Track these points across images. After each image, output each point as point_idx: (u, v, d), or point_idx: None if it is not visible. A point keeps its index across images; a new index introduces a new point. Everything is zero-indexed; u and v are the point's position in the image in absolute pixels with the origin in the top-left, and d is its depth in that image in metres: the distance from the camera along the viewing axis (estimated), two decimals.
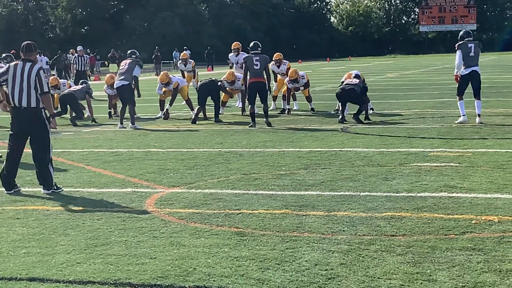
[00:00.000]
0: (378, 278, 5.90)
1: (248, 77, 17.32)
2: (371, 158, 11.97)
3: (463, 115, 16.51)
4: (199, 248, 6.96)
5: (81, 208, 8.96)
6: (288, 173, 10.83)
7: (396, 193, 9.15)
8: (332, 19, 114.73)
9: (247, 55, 18.52)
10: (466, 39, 16.59)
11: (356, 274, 6.00)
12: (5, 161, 10.25)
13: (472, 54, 16.43)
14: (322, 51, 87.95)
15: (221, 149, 13.62)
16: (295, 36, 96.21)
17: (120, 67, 18.87)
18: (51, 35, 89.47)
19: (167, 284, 5.92)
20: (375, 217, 7.94)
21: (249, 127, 17.11)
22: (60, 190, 10.04)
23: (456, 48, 16.62)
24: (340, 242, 6.98)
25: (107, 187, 10.28)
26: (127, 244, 7.21)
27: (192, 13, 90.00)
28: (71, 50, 34.81)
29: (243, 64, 17.82)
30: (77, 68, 31.46)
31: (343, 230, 7.42)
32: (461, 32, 17.12)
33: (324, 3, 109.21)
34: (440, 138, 14.18)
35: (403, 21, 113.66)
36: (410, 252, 6.56)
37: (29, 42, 10.37)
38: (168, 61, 68.44)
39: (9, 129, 10.33)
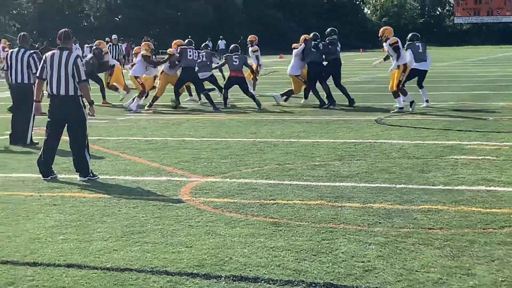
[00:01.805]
0: (416, 271, 5.86)
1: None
2: (407, 150, 11.89)
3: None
4: (235, 237, 6.97)
5: (117, 195, 9.00)
6: (323, 164, 10.79)
7: (433, 185, 9.08)
8: (366, 9, 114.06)
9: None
10: (415, 40, 18.75)
11: (394, 267, 5.97)
12: (42, 148, 10.32)
13: (420, 51, 18.60)
14: (355, 42, 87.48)
15: (255, 139, 13.61)
16: (327, 27, 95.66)
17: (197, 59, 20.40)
18: (85, 24, 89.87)
19: (203, 273, 5.93)
20: (411, 209, 7.88)
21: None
22: (96, 177, 10.09)
23: (406, 48, 18.60)
24: (376, 234, 6.95)
25: (142, 175, 10.32)
26: (163, 232, 7.23)
27: (224, 2, 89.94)
28: (106, 38, 34.89)
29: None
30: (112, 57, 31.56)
31: (379, 222, 7.38)
32: (410, 35, 19.08)
33: None
34: (476, 131, 14.04)
35: (438, 13, 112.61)
36: (448, 246, 6.51)
37: (66, 30, 10.41)
38: (200, 50, 68.50)
39: (47, 117, 10.38)
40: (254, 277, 5.81)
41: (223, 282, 5.72)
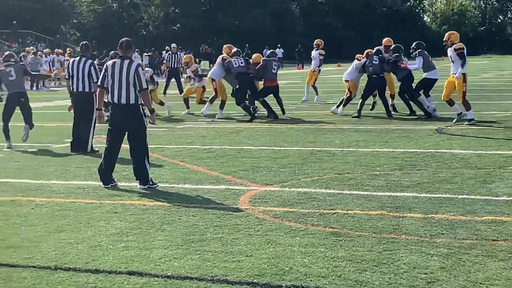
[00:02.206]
0: (480, 283, 5.75)
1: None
2: (469, 160, 11.70)
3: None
4: (295, 247, 6.93)
5: (176, 203, 9.04)
6: (383, 174, 10.68)
7: (496, 196, 8.91)
8: (425, 17, 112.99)
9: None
10: (423, 48, 18.81)
11: (457, 279, 5.86)
12: (103, 156, 10.42)
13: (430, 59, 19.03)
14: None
15: (313, 148, 13.55)
16: (386, 35, 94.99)
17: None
18: (144, 33, 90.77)
19: (264, 282, 5.91)
20: (474, 220, 7.74)
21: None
22: (155, 185, 10.15)
23: (417, 55, 18.73)
24: (439, 245, 6.84)
25: (202, 183, 10.35)
26: (223, 241, 7.23)
27: (282, 10, 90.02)
28: (166, 47, 34.90)
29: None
30: (169, 66, 31.62)
31: (442, 233, 7.26)
32: (415, 44, 19.20)
33: (417, 2, 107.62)
34: None
35: (499, 20, 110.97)
36: None
37: (128, 39, 10.50)
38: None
39: (108, 125, 10.48)
40: (315, 287, 5.77)
41: None
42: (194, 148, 14.09)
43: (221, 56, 20.49)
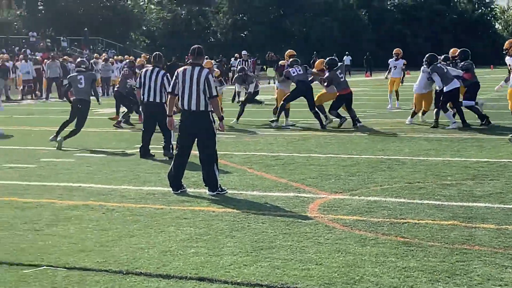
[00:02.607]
0: None
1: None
2: None
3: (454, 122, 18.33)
4: (365, 256, 6.87)
5: (245, 210, 9.05)
6: (454, 183, 10.52)
7: None
8: (497, 25, 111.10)
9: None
10: (436, 62, 18.58)
11: None
12: (173, 162, 10.51)
13: (445, 71, 18.35)
14: (485, 58, 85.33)
15: (383, 156, 13.43)
16: (456, 42, 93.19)
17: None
18: (212, 40, 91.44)
19: None
20: None
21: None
22: (224, 192, 10.19)
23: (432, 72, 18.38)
24: None
25: (270, 190, 10.34)
26: (292, 248, 7.21)
27: (351, 18, 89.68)
28: (236, 54, 34.89)
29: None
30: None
31: None
32: (430, 57, 18.84)
33: (488, 9, 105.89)
34: None
35: None
36: None
37: (199, 46, 10.54)
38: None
39: (178, 131, 10.56)
40: None
41: None
42: (262, 155, 14.10)
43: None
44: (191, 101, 10.20)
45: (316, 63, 20.98)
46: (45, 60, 38.73)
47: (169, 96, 10.71)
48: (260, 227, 8.16)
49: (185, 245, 7.40)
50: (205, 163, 10.29)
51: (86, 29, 64.43)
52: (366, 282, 6.09)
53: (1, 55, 41.38)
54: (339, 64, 20.01)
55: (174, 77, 10.52)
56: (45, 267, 6.69)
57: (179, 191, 10.30)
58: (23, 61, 38.07)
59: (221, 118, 10.43)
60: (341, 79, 19.57)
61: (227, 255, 6.99)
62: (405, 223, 8.17)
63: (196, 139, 10.39)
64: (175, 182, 10.38)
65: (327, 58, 20.06)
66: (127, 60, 23.69)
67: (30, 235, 7.94)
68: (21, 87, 37.47)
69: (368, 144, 15.40)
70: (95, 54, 47.39)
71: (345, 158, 13.41)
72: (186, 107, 10.28)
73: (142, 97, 14.09)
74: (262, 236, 7.74)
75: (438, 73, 18.20)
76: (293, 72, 19.47)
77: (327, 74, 19.54)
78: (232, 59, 50.84)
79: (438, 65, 18.39)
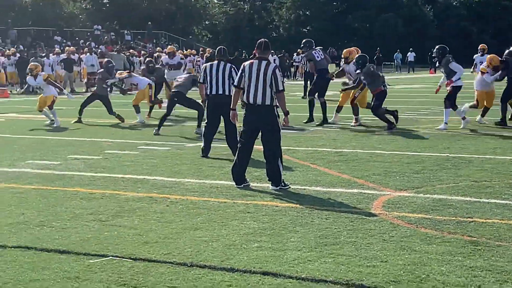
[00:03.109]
0: None
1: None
2: None
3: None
4: (431, 254, 6.77)
5: (309, 206, 9.01)
6: None
7: None
8: None
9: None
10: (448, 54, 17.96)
11: None
12: (236, 156, 10.52)
13: None
14: None
15: (448, 154, 13.25)
16: None
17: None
18: (275, 35, 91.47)
19: None
20: None
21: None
22: (287, 187, 10.17)
23: (450, 61, 17.75)
24: None
25: (333, 186, 10.28)
26: (357, 245, 7.15)
27: (415, 14, 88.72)
28: (298, 50, 34.59)
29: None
30: (305, 69, 31.18)
31: None
32: (442, 48, 18.19)
33: None
34: None
35: None
36: None
37: (266, 40, 10.52)
38: (389, 63, 67.87)
39: (242, 125, 10.56)
40: None
41: None
42: (325, 150, 14.03)
43: None
44: (257, 95, 10.20)
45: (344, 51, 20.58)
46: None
47: (234, 90, 10.74)
48: (324, 222, 8.12)
49: (249, 239, 7.39)
50: (269, 157, 10.28)
51: (149, 23, 65.06)
52: (433, 280, 6.01)
53: (67, 47, 42.08)
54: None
55: (240, 71, 10.52)
56: (110, 257, 6.76)
57: (242, 185, 10.31)
58: (88, 54, 38.63)
59: (286, 113, 10.40)
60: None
61: (291, 250, 6.97)
62: (472, 222, 8.04)
63: (261, 134, 10.40)
64: (239, 176, 10.40)
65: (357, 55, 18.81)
66: (106, 60, 22.41)
67: (96, 225, 8.04)
68: (86, 80, 38.00)
69: (432, 142, 15.20)
70: (158, 48, 47.77)
71: (410, 155, 13.26)
72: (251, 101, 10.29)
73: (207, 91, 13.58)
74: (326, 232, 7.70)
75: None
76: (317, 57, 19.56)
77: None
78: (295, 54, 50.78)
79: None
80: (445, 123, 17.66)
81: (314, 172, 11.52)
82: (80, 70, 39.43)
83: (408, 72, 63.92)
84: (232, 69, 13.28)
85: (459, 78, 17.72)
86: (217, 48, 13.97)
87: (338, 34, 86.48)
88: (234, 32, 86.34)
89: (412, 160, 12.57)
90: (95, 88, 20.94)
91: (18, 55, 38.95)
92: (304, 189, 10.15)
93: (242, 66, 10.52)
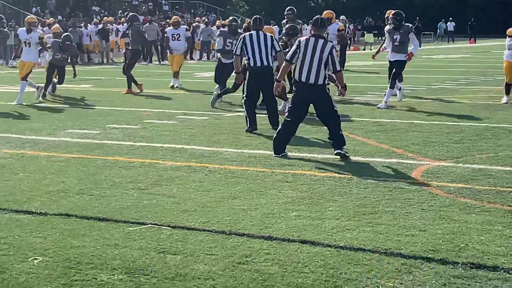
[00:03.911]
0: None
1: None
2: None
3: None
4: (471, 224, 6.73)
5: (347, 175, 8.99)
6: None
7: None
8: None
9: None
10: None
11: None
12: (281, 128, 10.39)
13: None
14: None
15: (488, 124, 13.11)
16: None
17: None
18: (313, 4, 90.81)
19: (439, 258, 5.78)
20: None
21: None
22: (347, 155, 10.07)
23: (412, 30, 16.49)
24: None
25: (372, 156, 10.24)
26: (395, 214, 7.13)
27: None
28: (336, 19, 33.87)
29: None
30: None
31: None
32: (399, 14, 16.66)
33: None
34: None
35: None
36: None
37: (322, 17, 10.32)
38: (428, 32, 67.07)
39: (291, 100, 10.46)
40: (492, 266, 5.59)
41: (460, 269, 5.54)
42: (364, 121, 13.96)
43: None
44: (310, 73, 10.03)
45: None
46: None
47: (284, 63, 10.50)
48: (362, 192, 8.10)
49: (287, 208, 7.41)
50: (331, 124, 10.18)
51: None
52: (472, 250, 5.97)
53: (105, 18, 42.17)
54: None
55: (295, 46, 10.29)
56: (150, 225, 6.81)
57: (280, 155, 10.29)
58: (125, 24, 38.67)
59: (344, 86, 10.37)
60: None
61: (329, 219, 6.97)
62: None
63: (316, 111, 10.32)
64: (280, 146, 10.35)
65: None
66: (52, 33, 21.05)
67: (135, 194, 8.10)
68: (124, 50, 38.12)
69: (472, 112, 15.04)
70: (197, 18, 47.72)
71: (449, 125, 13.15)
72: (303, 79, 10.10)
73: (248, 62, 12.86)
74: (364, 201, 7.68)
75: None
76: None
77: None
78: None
79: None
80: (386, 102, 16.12)
81: (353, 142, 11.47)
82: (118, 40, 39.53)
83: (448, 42, 63.18)
84: (274, 39, 12.96)
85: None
86: (253, 18, 13.53)
87: (378, 3, 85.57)
88: (272, 2, 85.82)
89: (451, 130, 12.47)
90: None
91: (57, 25, 39.16)
92: (342, 159, 10.11)
93: (297, 42, 10.30)
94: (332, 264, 5.67)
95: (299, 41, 10.22)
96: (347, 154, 10.07)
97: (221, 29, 22.31)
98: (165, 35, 23.20)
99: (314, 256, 5.87)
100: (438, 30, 66.32)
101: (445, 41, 64.92)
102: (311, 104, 10.32)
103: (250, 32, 13.10)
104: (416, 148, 10.80)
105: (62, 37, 19.10)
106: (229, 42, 16.91)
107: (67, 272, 5.55)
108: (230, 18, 18.09)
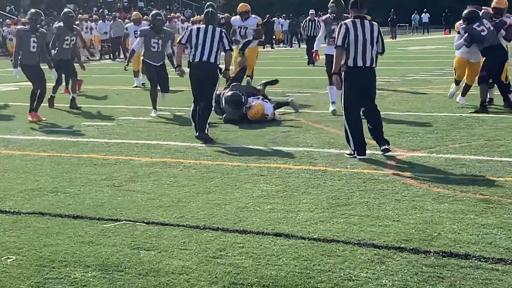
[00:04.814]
0: None
1: None
2: None
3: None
4: (443, 213, 6.79)
5: (321, 167, 9.03)
6: None
7: None
8: None
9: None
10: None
11: None
12: (349, 126, 9.78)
13: None
14: None
15: (461, 114, 13.20)
16: None
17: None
18: None
19: (411, 247, 5.82)
20: None
21: None
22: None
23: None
24: None
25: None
26: (369, 205, 7.17)
27: None
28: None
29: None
30: (307, 34, 29.93)
31: None
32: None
33: None
34: None
35: None
36: None
37: None
38: (403, 24, 67.33)
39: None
40: (464, 254, 5.64)
41: (432, 258, 5.59)
42: (339, 113, 13.96)
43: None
44: (366, 58, 9.57)
45: None
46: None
47: (336, 50, 9.78)
48: (336, 184, 8.14)
49: (262, 202, 7.43)
50: (377, 122, 9.92)
51: None
52: (444, 238, 6.03)
53: (79, 15, 41.95)
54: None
55: (343, 29, 9.60)
56: (124, 221, 6.81)
57: (366, 156, 9.57)
58: (101, 21, 38.52)
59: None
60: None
61: (303, 212, 7.00)
62: (484, 180, 8.04)
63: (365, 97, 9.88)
64: (360, 146, 9.63)
65: None
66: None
67: (110, 191, 8.09)
68: (99, 47, 37.99)
69: (446, 102, 15.12)
70: (172, 14, 47.58)
71: (423, 115, 13.23)
72: (359, 64, 9.58)
73: (190, 57, 11.61)
74: (338, 193, 7.72)
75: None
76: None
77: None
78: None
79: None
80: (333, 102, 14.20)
81: (328, 134, 11.52)
82: (92, 37, 39.30)
83: (423, 33, 63.46)
84: (224, 35, 11.69)
85: None
86: (205, 11, 12.10)
87: None
88: None
89: (425, 121, 12.54)
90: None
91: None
92: (317, 151, 10.15)
93: (343, 25, 9.64)
94: (306, 256, 5.69)
95: (346, 24, 9.59)
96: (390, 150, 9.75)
97: (141, 27, 17.75)
98: (125, 31, 22.71)
99: (288, 248, 5.90)
100: (412, 22, 66.61)
101: (420, 32, 65.19)
102: None
103: (198, 26, 11.96)
104: (390, 139, 10.77)
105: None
106: (154, 42, 14.45)
107: (40, 270, 5.54)
108: (153, 12, 15.24)
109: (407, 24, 67.73)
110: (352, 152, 9.68)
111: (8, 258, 5.84)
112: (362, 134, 9.74)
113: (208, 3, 12.25)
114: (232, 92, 13.19)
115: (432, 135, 11.06)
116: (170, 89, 15.01)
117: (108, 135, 11.97)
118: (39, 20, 14.34)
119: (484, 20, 13.43)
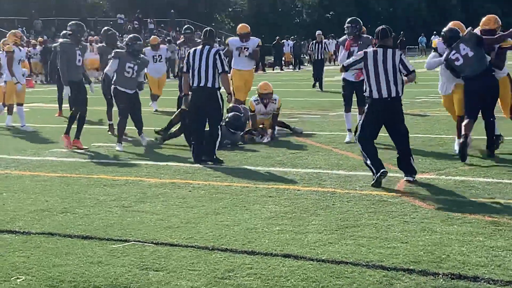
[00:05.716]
0: None
1: None
2: None
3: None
4: (452, 235, 6.78)
5: (330, 189, 9.04)
6: None
7: None
8: None
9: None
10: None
11: None
12: (363, 151, 9.58)
13: None
14: None
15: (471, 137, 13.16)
16: None
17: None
18: (297, 20, 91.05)
19: (420, 269, 5.82)
20: None
21: None
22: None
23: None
24: None
25: (355, 170, 10.29)
26: (378, 227, 7.17)
27: None
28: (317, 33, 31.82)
29: None
30: (315, 57, 28.89)
31: None
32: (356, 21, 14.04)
33: None
34: None
35: None
36: None
37: (384, 27, 9.59)
38: (413, 46, 67.43)
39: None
40: (473, 276, 5.63)
41: (441, 280, 5.58)
42: (346, 135, 13.98)
43: None
44: (391, 88, 9.39)
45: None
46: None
47: (340, 67, 10.09)
48: (345, 205, 8.14)
49: (270, 223, 7.44)
50: (404, 148, 9.77)
51: (172, 10, 65.09)
52: (453, 260, 6.02)
53: (90, 37, 42.19)
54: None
55: (359, 57, 9.61)
56: (133, 242, 6.83)
57: (381, 172, 9.24)
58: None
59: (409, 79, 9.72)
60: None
61: (312, 233, 7.00)
62: (493, 202, 8.04)
63: (387, 128, 9.74)
64: (377, 165, 9.35)
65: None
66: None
67: (119, 211, 8.11)
68: None
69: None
70: (182, 36, 47.77)
71: (432, 137, 13.23)
72: (384, 95, 9.38)
73: (190, 82, 11.45)
74: (347, 214, 7.72)
75: None
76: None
77: None
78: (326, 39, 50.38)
79: None
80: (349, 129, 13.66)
81: (337, 156, 11.53)
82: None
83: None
84: (219, 56, 11.33)
85: None
86: (204, 30, 11.83)
87: (362, 18, 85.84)
88: (257, 18, 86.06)
89: (434, 143, 12.55)
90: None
91: (42, 45, 39.14)
92: (326, 173, 10.16)
93: (363, 53, 9.59)
94: (314, 278, 5.70)
95: (365, 53, 9.55)
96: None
97: (117, 49, 14.72)
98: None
99: (296, 269, 5.91)
100: (419, 45, 66.74)
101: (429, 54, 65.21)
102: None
103: (195, 48, 11.61)
104: None
105: None
106: (129, 67, 13.04)
107: None
108: (131, 36, 13.87)
109: (416, 47, 67.84)
110: (375, 177, 9.28)
111: (18, 278, 5.87)
112: (375, 152, 9.54)
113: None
114: (233, 113, 13.17)
115: (441, 157, 11.06)
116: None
117: (117, 156, 12.01)
118: (82, 33, 13.43)
119: (461, 44, 11.18)
